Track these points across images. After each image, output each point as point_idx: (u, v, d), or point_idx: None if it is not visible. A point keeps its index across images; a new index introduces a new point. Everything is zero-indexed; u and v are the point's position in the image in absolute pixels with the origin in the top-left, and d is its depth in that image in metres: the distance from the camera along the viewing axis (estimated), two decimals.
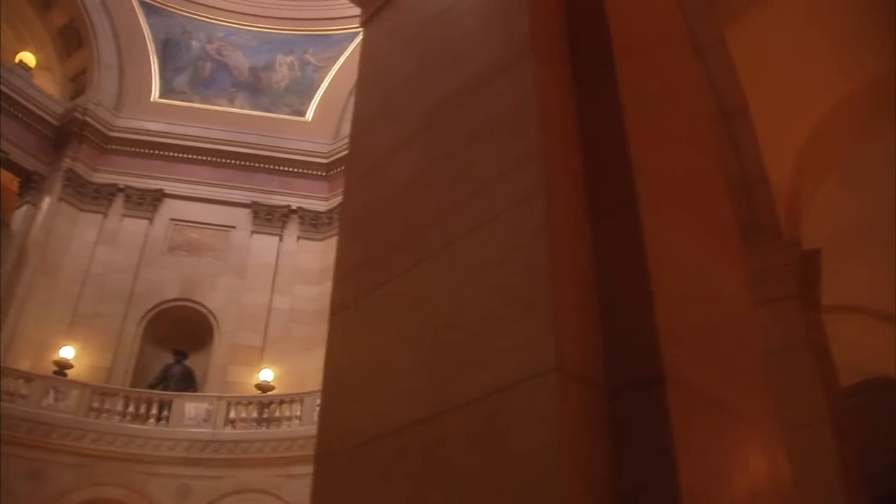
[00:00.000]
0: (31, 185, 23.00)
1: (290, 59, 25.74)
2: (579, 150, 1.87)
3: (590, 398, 1.52)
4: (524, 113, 1.84)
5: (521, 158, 1.77)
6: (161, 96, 25.07)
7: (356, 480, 1.79)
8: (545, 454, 1.40)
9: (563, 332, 1.51)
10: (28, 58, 24.82)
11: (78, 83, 25.27)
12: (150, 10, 25.69)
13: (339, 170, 23.41)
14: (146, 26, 25.61)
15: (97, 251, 21.99)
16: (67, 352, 19.74)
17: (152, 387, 19.91)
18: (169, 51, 25.63)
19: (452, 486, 1.53)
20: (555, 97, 1.89)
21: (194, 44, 25.78)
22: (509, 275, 1.64)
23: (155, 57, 25.45)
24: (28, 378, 18.31)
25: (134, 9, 25.53)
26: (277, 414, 18.47)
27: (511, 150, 1.82)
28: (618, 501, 1.46)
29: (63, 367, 19.47)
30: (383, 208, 2.16)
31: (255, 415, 18.47)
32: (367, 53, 2.76)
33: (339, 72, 25.26)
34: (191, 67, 25.63)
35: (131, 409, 18.53)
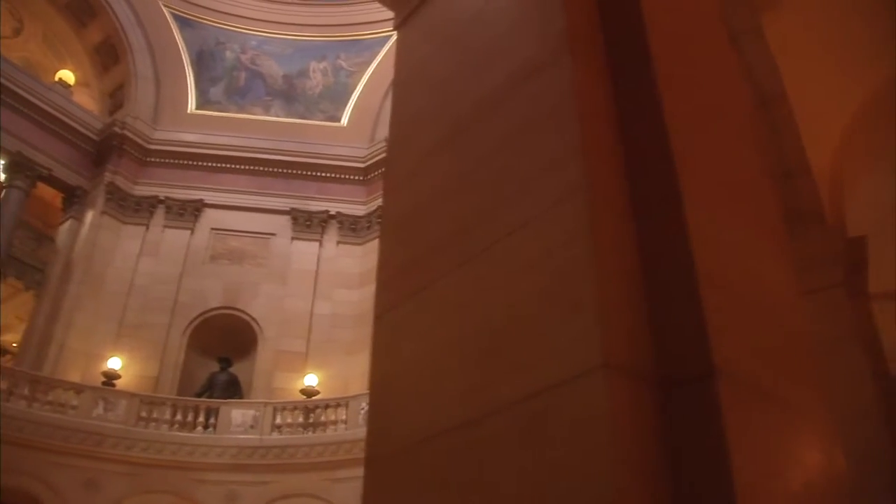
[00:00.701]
0: (74, 200, 23.41)
1: (323, 65, 25.89)
2: (619, 146, 1.85)
3: (639, 394, 1.50)
4: (562, 111, 1.83)
5: (560, 156, 1.77)
6: (197, 107, 25.36)
7: (406, 483, 1.79)
8: (596, 452, 1.39)
9: (609, 329, 1.50)
10: (67, 75, 25.28)
11: (116, 98, 25.64)
12: (183, 24, 25.99)
13: (376, 174, 23.51)
14: (180, 39, 25.91)
15: (140, 263, 22.31)
16: (115, 362, 20.06)
17: (199, 395, 20.12)
18: (203, 62, 25.91)
19: (503, 487, 1.52)
20: (592, 94, 1.88)
21: (228, 54, 26.03)
22: (553, 273, 1.64)
23: (190, 69, 25.74)
24: (78, 389, 18.63)
25: (168, 23, 25.84)
26: (323, 418, 18.55)
27: (550, 149, 1.81)
28: (672, 498, 1.44)
29: (111, 377, 19.79)
30: (424, 211, 2.16)
31: (300, 420, 18.58)
32: (402, 56, 2.76)
33: (372, 76, 25.35)
34: (225, 78, 25.89)
35: (179, 417, 18.74)
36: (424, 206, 2.16)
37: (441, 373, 1.81)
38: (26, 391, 18.02)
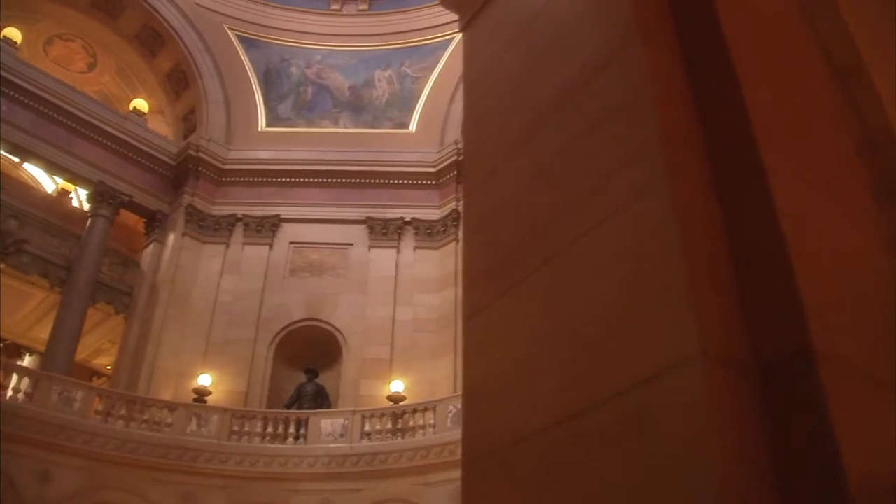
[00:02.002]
0: (155, 223, 23.99)
1: (387, 73, 26.03)
2: (698, 130, 1.82)
3: (738, 381, 1.48)
4: (637, 99, 1.81)
5: (640, 145, 1.74)
6: (268, 125, 25.75)
7: (504, 483, 1.79)
8: (698, 442, 1.37)
9: (703, 316, 1.48)
10: (141, 104, 25.96)
11: (189, 122, 26.23)
12: (248, 44, 26.46)
13: (448, 177, 23.53)
14: (246, 60, 26.38)
15: (223, 280, 22.73)
16: (205, 379, 20.46)
17: (287, 407, 20.36)
18: (270, 80, 26.32)
19: (604, 483, 1.51)
20: (667, 79, 1.85)
21: (293, 70, 26.38)
22: (641, 264, 1.62)
23: (258, 88, 26.17)
24: (172, 407, 19.06)
25: (233, 45, 26.35)
26: (411, 423, 18.55)
27: (629, 138, 1.79)
28: (777, 486, 1.41)
29: (202, 394, 20.19)
30: (505, 211, 2.15)
31: (389, 426, 18.61)
32: (470, 58, 2.76)
33: (437, 80, 25.40)
34: (293, 94, 26.24)
35: (270, 429, 18.98)
36: (505, 206, 2.16)
37: (534, 371, 1.81)
38: (123, 411, 18.54)
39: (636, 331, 1.56)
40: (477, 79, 2.65)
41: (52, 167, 24.12)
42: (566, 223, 1.87)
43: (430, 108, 25.24)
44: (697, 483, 1.34)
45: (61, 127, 23.04)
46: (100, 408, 18.54)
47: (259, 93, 26.13)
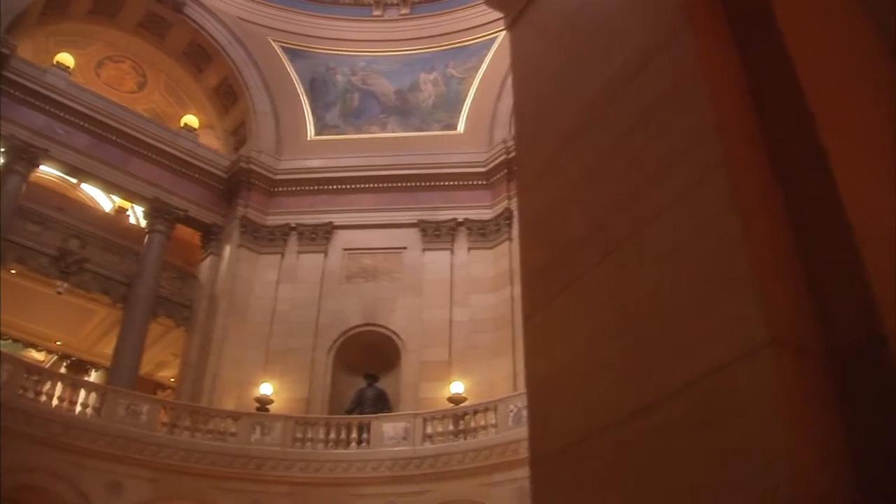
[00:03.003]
0: (211, 237, 24.32)
1: (433, 76, 26.05)
2: (754, 116, 1.78)
3: (808, 368, 1.46)
4: (689, 88, 1.79)
5: (694, 134, 1.72)
6: (316, 133, 25.94)
7: (574, 481, 1.79)
8: (770, 431, 1.36)
9: (770, 304, 1.46)
10: (191, 120, 26.34)
11: (239, 135, 26.54)
12: (293, 55, 26.69)
13: (498, 176, 23.46)
14: (292, 71, 26.62)
15: (280, 290, 22.94)
16: (266, 388, 20.65)
17: (349, 412, 20.46)
18: (317, 89, 26.52)
19: (675, 476, 1.50)
20: (719, 66, 1.82)
21: (339, 78, 26.54)
22: (703, 254, 1.60)
23: (305, 97, 26.38)
24: (235, 416, 19.28)
25: (279, 56, 26.61)
26: (473, 424, 18.49)
27: (683, 128, 1.77)
28: (850, 473, 1.39)
29: (264, 402, 20.38)
30: (560, 207, 2.14)
31: (450, 428, 18.57)
32: (518, 55, 2.75)
33: (482, 80, 25.35)
34: (340, 101, 26.40)
35: (333, 435, 19.07)
36: (560, 202, 2.15)
37: (598, 367, 1.80)
38: (188, 422, 18.81)
39: (702, 321, 1.54)
40: (526, 76, 2.64)
41: (109, 186, 24.59)
42: (624, 216, 1.85)
43: (476, 107, 25.20)
44: (770, 472, 1.33)
45: (116, 147, 23.49)
46: (166, 419, 18.84)
47: (306, 102, 26.34)
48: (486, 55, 25.50)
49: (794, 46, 1.79)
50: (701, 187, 1.64)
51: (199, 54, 26.65)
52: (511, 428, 17.35)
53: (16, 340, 27.16)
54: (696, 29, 1.84)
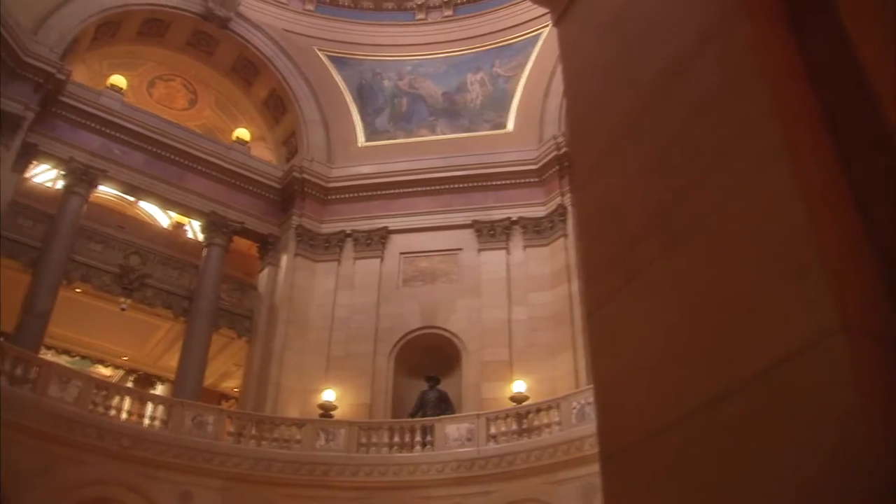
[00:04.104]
0: (268, 247, 24.60)
1: (479, 76, 26.02)
2: (813, 99, 1.73)
3: (883, 354, 1.42)
4: (746, 73, 1.75)
5: (753, 121, 1.69)
6: (367, 140, 26.08)
7: (645, 476, 1.77)
8: (845, 420, 1.33)
9: (841, 290, 1.43)
10: (243, 133, 26.69)
11: (290, 145, 26.81)
12: (340, 64, 26.89)
13: (550, 172, 23.34)
14: (339, 79, 26.81)
15: (338, 296, 23.12)
16: (329, 394, 20.80)
17: (412, 415, 20.51)
18: (364, 96, 26.67)
19: (748, 468, 1.48)
20: (775, 49, 1.78)
21: (386, 83, 26.65)
22: (769, 241, 1.57)
23: (353, 105, 26.56)
24: (299, 424, 19.47)
25: (325, 65, 26.83)
26: (536, 423, 18.40)
27: (741, 115, 1.73)
28: None
29: (328, 409, 20.54)
30: (618, 200, 2.12)
31: (514, 427, 18.50)
32: (567, 51, 2.74)
33: (529, 77, 25.26)
34: (388, 106, 26.51)
35: (397, 439, 19.14)
36: (618, 196, 2.13)
37: (667, 360, 1.78)
38: (254, 431, 19.04)
39: (770, 311, 1.51)
40: (576, 71, 2.63)
41: (166, 203, 25.04)
42: (684, 207, 1.82)
43: (525, 105, 25.10)
44: (847, 462, 1.31)
45: (171, 163, 23.91)
46: (231, 429, 19.08)
47: (355, 109, 26.50)
48: (531, 52, 25.40)
49: (853, 25, 1.74)
50: (762, 175, 1.61)
51: (247, 68, 26.98)
52: (575, 425, 17.24)
53: (84, 357, 27.78)
54: (749, 12, 1.80)
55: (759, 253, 1.58)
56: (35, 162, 22.92)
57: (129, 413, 18.35)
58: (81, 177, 22.06)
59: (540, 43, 25.09)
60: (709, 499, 1.56)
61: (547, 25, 24.23)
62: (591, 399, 16.74)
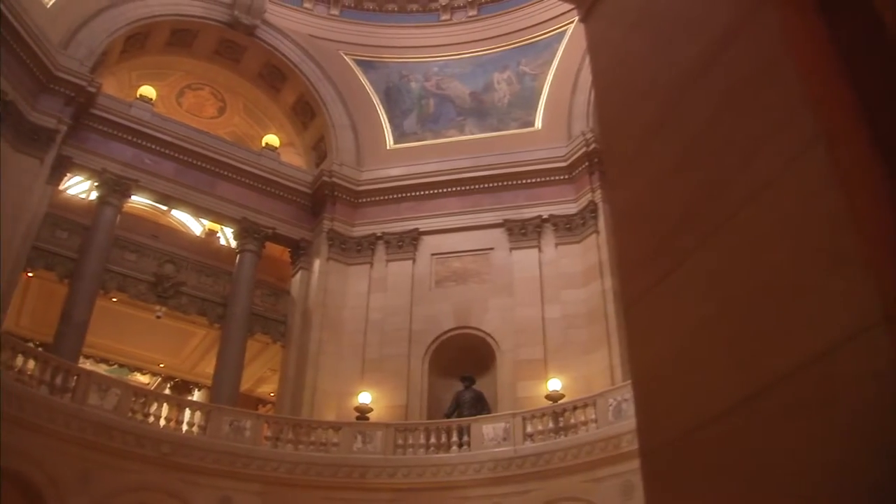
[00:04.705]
0: (300, 252, 24.74)
1: (506, 74, 25.96)
2: (847, 86, 1.70)
3: None
4: (777, 63, 1.73)
5: (787, 110, 1.66)
6: (395, 142, 26.13)
7: (686, 472, 1.77)
8: (890, 412, 1.31)
9: (882, 280, 1.40)
10: (272, 139, 26.86)
11: (319, 150, 26.93)
12: (366, 67, 26.96)
13: (580, 169, 23.25)
14: (366, 82, 26.88)
15: (371, 299, 23.20)
16: (365, 397, 20.87)
17: (448, 416, 20.52)
18: (392, 98, 26.71)
19: (790, 461, 1.47)
20: (806, 36, 1.76)
21: (413, 85, 26.68)
22: (806, 232, 1.55)
23: (381, 107, 26.61)
24: (336, 427, 19.58)
25: (351, 69, 26.91)
26: (572, 420, 18.32)
27: (774, 105, 1.71)
28: None
29: (363, 411, 20.62)
30: (652, 196, 2.11)
31: (550, 425, 18.43)
32: (595, 47, 2.74)
33: (556, 74, 25.17)
34: (416, 108, 26.54)
35: (433, 440, 19.16)
36: (651, 190, 2.12)
37: (704, 355, 1.77)
38: (291, 435, 19.15)
39: (810, 302, 1.50)
40: (605, 68, 2.61)
41: (198, 210, 25.25)
42: (718, 200, 1.81)
43: (552, 102, 25.01)
44: (890, 453, 1.29)
45: (202, 172, 24.12)
46: (269, 434, 19.22)
47: (383, 112, 26.56)
48: (557, 49, 25.31)
49: (885, 9, 1.70)
50: (798, 164, 1.59)
51: (275, 75, 27.14)
52: (612, 422, 17.15)
53: (122, 366, 28.11)
54: (778, 1, 1.77)
55: (796, 244, 1.56)
56: (69, 174, 23.25)
57: (168, 420, 18.53)
58: (114, 187, 22.32)
59: (565, 39, 25.00)
60: (751, 492, 1.54)
61: (572, 22, 24.16)
62: (627, 395, 16.67)
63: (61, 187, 23.98)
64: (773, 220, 1.64)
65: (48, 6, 21.55)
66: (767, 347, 1.57)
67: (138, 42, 25.08)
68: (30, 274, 21.42)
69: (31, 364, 17.12)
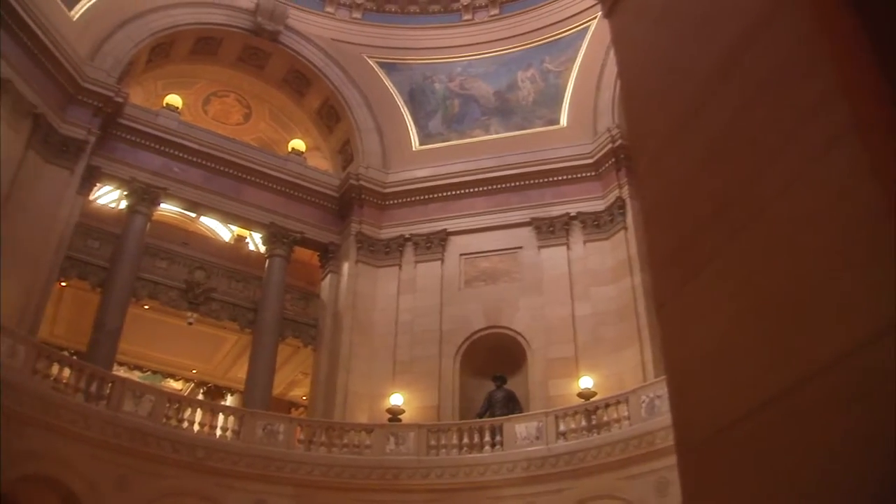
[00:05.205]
0: (329, 255, 24.84)
1: (529, 73, 25.90)
2: (880, 75, 1.66)
3: None
4: (808, 53, 1.70)
5: (818, 100, 1.63)
6: (421, 143, 26.15)
7: (724, 468, 1.75)
8: None
9: None
10: (298, 144, 27.01)
11: (345, 153, 27.01)
12: (389, 69, 27.01)
13: (607, 165, 23.15)
14: (390, 84, 26.92)
15: (401, 301, 23.25)
16: (397, 399, 20.91)
17: (480, 415, 20.51)
18: (416, 100, 26.74)
19: (827, 455, 1.45)
20: (836, 26, 1.71)
21: (437, 86, 26.70)
22: (841, 223, 1.52)
23: (405, 109, 26.64)
24: (368, 429, 19.64)
25: (375, 72, 26.97)
26: (605, 418, 18.24)
27: (805, 96, 1.68)
28: None
29: (395, 413, 20.66)
30: (682, 191, 2.09)
31: (583, 423, 18.36)
32: (620, 42, 2.71)
33: (580, 71, 25.06)
34: (440, 109, 26.55)
35: (466, 440, 19.17)
36: (681, 186, 2.10)
37: (741, 349, 1.74)
38: (324, 438, 19.25)
39: (845, 295, 1.47)
40: (631, 63, 2.60)
41: (226, 217, 25.45)
42: (749, 193, 1.78)
43: (577, 99, 24.92)
44: None
45: (229, 178, 24.29)
46: (302, 437, 19.32)
47: (407, 114, 26.60)
48: (580, 45, 25.20)
49: None
50: (831, 155, 1.56)
51: (299, 80, 27.26)
52: (645, 419, 17.05)
53: (155, 372, 28.36)
54: None
55: (830, 236, 1.53)
56: (98, 184, 23.52)
57: (202, 425, 18.69)
58: (143, 196, 22.53)
59: (588, 36, 24.89)
60: (789, 487, 1.53)
61: (594, 18, 24.06)
62: (660, 392, 16.56)
63: (91, 197, 24.24)
64: (806, 213, 1.61)
65: (74, 19, 21.82)
66: (802, 341, 1.55)
67: (163, 51, 25.31)
68: (63, 283, 21.68)
69: (67, 372, 17.33)
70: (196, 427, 18.55)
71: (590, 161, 23.65)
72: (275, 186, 24.84)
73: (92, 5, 22.42)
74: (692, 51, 2.14)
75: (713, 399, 1.81)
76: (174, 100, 24.99)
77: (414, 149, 26.19)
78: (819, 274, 1.55)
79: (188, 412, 18.87)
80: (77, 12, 22.00)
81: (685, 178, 2.07)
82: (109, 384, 17.78)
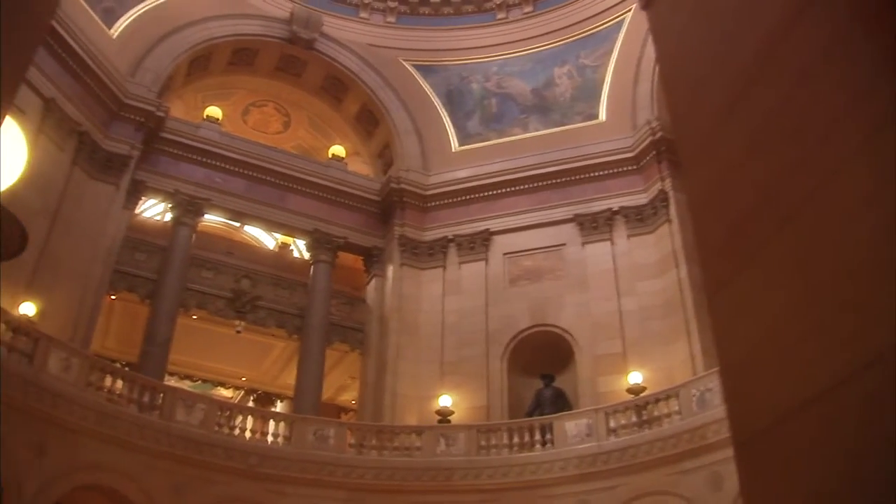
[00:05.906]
0: (373, 259, 24.95)
1: (566, 68, 25.78)
2: None
3: None
4: (851, 37, 1.66)
5: (865, 83, 1.60)
6: (460, 144, 26.17)
7: (781, 459, 1.73)
8: None
9: None
10: (338, 150, 27.15)
11: (385, 157, 27.11)
12: (426, 71, 27.06)
13: (648, 158, 22.98)
14: (427, 86, 26.97)
15: (446, 302, 23.28)
16: (446, 400, 20.92)
17: (529, 414, 20.45)
18: (454, 101, 26.76)
19: (886, 445, 1.41)
20: (880, 9, 1.66)
21: (474, 86, 26.69)
22: (891, 207, 1.48)
23: (443, 111, 26.67)
24: (419, 431, 19.68)
25: (412, 75, 27.03)
26: (656, 413, 18.06)
27: (851, 79, 1.64)
28: None
29: (445, 414, 20.66)
30: (727, 181, 2.06)
31: (634, 419, 18.20)
32: (659, 33, 2.71)
33: (617, 64, 24.89)
34: (478, 109, 26.55)
35: (516, 439, 19.12)
36: (726, 176, 2.07)
37: (794, 340, 1.72)
38: (374, 441, 19.34)
39: (893, 285, 1.44)
40: (671, 53, 2.58)
41: (270, 225, 25.71)
42: (796, 180, 1.75)
43: (615, 93, 24.75)
44: None
45: (271, 186, 24.51)
46: (352, 441, 19.41)
47: (445, 115, 26.63)
48: (616, 39, 25.03)
49: None
50: (879, 138, 1.52)
51: (336, 86, 27.42)
52: (696, 413, 16.86)
53: (206, 381, 28.70)
54: None
55: (880, 222, 1.50)
56: (143, 197, 23.88)
57: (253, 432, 18.86)
58: (188, 207, 22.83)
59: (624, 28, 24.72)
60: (847, 478, 1.51)
61: (629, 10, 23.88)
62: (710, 385, 16.36)
63: (137, 211, 24.60)
64: (854, 198, 1.58)
65: (114, 37, 22.19)
66: (859, 329, 1.52)
67: (201, 64, 25.62)
68: (113, 297, 22.04)
69: (120, 384, 17.61)
70: (247, 434, 18.73)
71: (630, 155, 23.47)
72: (317, 193, 25.01)
73: (130, 22, 22.80)
74: (732, 39, 2.12)
75: (770, 390, 1.79)
76: (214, 111, 25.28)
77: (453, 150, 26.21)
78: (871, 260, 1.52)
79: (239, 419, 19.06)
80: (116, 30, 22.38)
81: (731, 168, 2.05)
82: (161, 394, 18.03)
